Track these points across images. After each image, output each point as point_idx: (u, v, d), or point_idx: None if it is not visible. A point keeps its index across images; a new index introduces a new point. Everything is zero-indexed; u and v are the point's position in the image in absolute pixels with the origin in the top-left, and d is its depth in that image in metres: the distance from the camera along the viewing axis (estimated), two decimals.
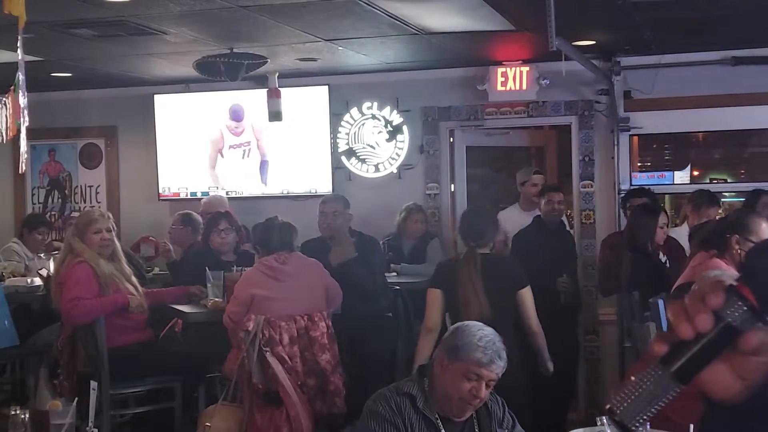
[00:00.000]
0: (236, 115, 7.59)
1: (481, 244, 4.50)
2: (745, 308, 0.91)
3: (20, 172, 3.72)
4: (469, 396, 2.85)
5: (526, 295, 4.45)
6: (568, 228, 6.65)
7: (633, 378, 0.91)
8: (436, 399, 2.89)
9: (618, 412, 0.91)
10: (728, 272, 3.23)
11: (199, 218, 6.53)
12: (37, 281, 5.97)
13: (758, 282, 0.92)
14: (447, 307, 4.44)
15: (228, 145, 7.61)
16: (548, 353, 4.56)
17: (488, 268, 4.40)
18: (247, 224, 6.36)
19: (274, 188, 7.55)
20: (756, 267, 0.92)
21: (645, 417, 0.91)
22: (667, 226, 5.42)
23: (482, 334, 2.97)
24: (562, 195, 6.40)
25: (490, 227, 4.63)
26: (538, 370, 4.56)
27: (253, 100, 7.43)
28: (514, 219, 6.37)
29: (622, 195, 6.31)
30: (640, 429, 0.93)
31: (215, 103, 7.62)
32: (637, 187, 6.46)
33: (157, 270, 6.94)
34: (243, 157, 7.60)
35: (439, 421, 2.88)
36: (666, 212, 5.48)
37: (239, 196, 7.53)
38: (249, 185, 7.57)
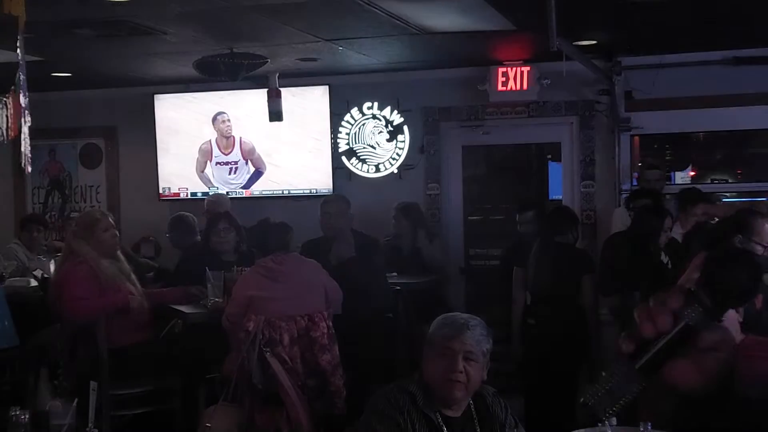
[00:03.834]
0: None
1: (557, 233, 5.39)
2: (701, 310, 1.01)
3: (27, 172, 3.71)
4: (448, 372, 2.82)
5: (588, 279, 5.32)
6: None
7: (603, 373, 1.00)
8: (433, 394, 2.88)
9: (590, 404, 1.00)
10: None
11: (190, 218, 6.58)
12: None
13: (713, 290, 1.02)
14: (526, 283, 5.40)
15: (215, 162, 7.67)
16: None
17: (560, 254, 5.32)
18: (248, 225, 6.35)
19: (274, 188, 7.55)
20: (713, 276, 1.02)
21: (614, 409, 1.00)
22: (671, 230, 5.40)
23: (452, 317, 2.96)
24: None
25: (567, 222, 5.53)
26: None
27: (245, 111, 7.50)
28: None
29: (624, 195, 6.29)
30: (612, 420, 1.05)
31: (215, 103, 7.62)
32: (640, 187, 6.44)
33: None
34: (230, 174, 7.66)
35: (440, 418, 2.87)
36: (671, 215, 5.45)
37: (240, 196, 7.53)
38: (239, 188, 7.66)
